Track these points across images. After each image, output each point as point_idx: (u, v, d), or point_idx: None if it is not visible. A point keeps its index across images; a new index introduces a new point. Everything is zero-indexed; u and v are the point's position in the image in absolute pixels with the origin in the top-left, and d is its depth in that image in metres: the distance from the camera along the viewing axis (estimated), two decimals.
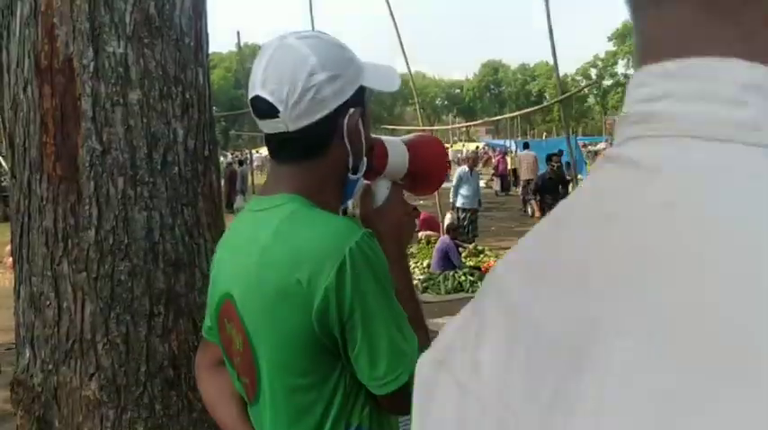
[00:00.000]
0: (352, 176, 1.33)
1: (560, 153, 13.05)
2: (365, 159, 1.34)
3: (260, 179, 22.72)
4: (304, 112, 1.23)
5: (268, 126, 1.27)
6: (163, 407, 1.93)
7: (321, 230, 1.20)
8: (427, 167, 1.48)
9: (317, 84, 1.22)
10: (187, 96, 2.02)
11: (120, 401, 1.89)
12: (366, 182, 1.42)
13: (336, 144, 1.28)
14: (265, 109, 1.24)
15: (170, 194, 1.96)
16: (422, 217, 12.31)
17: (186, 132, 2.01)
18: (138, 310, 1.91)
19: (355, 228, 1.21)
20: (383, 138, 1.42)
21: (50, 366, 1.93)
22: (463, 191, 11.76)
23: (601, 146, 39.02)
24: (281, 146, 1.29)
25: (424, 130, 14.20)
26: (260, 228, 1.24)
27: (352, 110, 1.27)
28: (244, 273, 1.24)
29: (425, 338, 1.28)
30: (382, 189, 1.41)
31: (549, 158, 11.83)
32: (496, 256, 11.36)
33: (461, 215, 11.81)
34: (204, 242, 2.05)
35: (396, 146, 1.43)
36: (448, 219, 11.52)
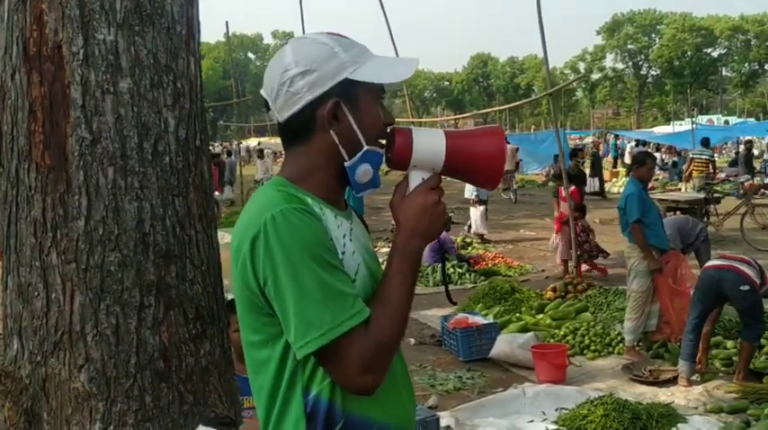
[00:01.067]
0: (346, 163, 1.41)
1: (583, 148, 13.51)
2: (365, 148, 1.40)
3: (248, 170, 22.61)
4: (283, 105, 1.39)
5: (271, 117, 1.50)
6: (153, 399, 1.91)
7: (255, 204, 1.36)
8: (471, 160, 1.42)
9: (289, 78, 1.37)
10: (178, 85, 2.00)
11: (109, 393, 1.87)
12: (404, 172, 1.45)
13: (321, 133, 1.39)
14: (265, 104, 1.45)
15: (161, 185, 1.94)
16: None
17: (177, 122, 1.99)
18: (129, 302, 1.89)
19: (280, 202, 1.32)
20: (415, 128, 1.42)
21: (39, 358, 1.91)
22: None
23: (588, 139, 39.16)
24: (281, 135, 1.47)
25: (412, 122, 14.18)
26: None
27: (330, 101, 1.37)
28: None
29: (387, 319, 1.32)
30: (416, 179, 1.41)
31: (573, 154, 11.89)
32: (485, 248, 11.38)
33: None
34: (195, 233, 2.02)
35: (429, 136, 1.42)
36: None
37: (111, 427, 1.87)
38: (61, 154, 1.86)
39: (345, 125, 1.39)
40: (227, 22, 17.94)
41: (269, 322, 1.34)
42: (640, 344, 6.13)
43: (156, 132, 1.93)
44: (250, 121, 37.73)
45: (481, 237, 12.16)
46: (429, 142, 1.40)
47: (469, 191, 12.21)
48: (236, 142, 27.10)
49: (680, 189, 16.72)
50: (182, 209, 1.99)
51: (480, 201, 12.05)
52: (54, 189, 1.87)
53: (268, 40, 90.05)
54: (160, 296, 1.93)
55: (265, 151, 21.36)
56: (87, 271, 1.86)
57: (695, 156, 15.92)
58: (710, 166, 15.48)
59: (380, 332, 1.31)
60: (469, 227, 12.52)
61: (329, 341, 1.27)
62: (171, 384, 1.95)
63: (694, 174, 15.25)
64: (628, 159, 22.94)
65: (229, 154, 23.13)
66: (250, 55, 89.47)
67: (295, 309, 1.27)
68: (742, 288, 5.05)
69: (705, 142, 16.54)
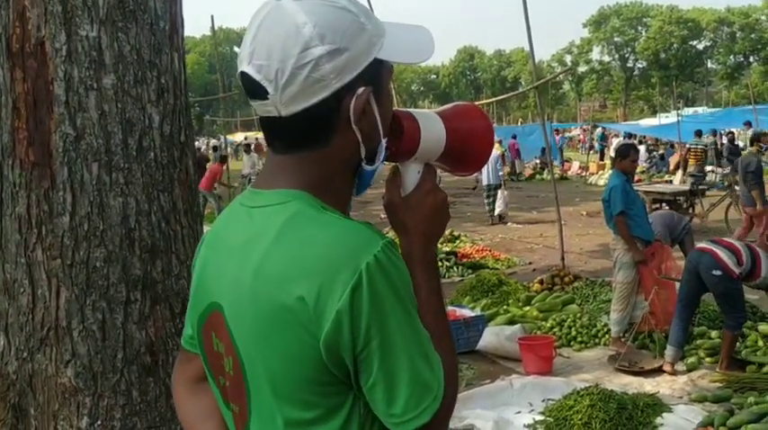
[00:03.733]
0: (367, 167, 1.12)
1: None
2: (384, 144, 1.11)
3: (234, 165, 22.52)
4: (298, 95, 1.02)
5: (259, 108, 1.06)
6: (140, 394, 1.93)
7: (332, 239, 1.00)
8: (468, 144, 1.22)
9: (314, 60, 1.00)
10: (162, 81, 2.00)
11: (96, 388, 1.88)
12: (393, 164, 1.20)
13: (343, 131, 1.06)
14: (253, 88, 1.04)
15: (146, 180, 1.95)
16: None
17: (162, 118, 1.99)
18: (115, 297, 1.89)
19: (374, 236, 1.01)
20: (414, 111, 1.17)
21: (25, 354, 1.92)
22: None
23: (575, 132, 39.32)
24: (275, 133, 1.08)
25: None
26: (257, 229, 1.05)
27: (360, 89, 1.05)
28: (236, 283, 1.06)
29: (451, 356, 1.09)
30: (412, 173, 1.16)
31: (756, 139, 12.21)
32: (472, 242, 11.43)
33: None
34: (181, 228, 2.04)
35: (430, 120, 1.17)
36: None
37: (99, 422, 1.88)
38: (45, 150, 1.86)
39: (371, 119, 1.08)
40: (212, 17, 17.85)
41: (333, 391, 1.02)
42: (626, 334, 6.19)
43: (140, 128, 1.94)
44: (237, 116, 37.65)
45: (500, 218, 12.71)
46: (433, 128, 1.16)
47: (496, 177, 13.21)
48: (222, 137, 26.96)
49: (670, 181, 16.97)
50: (167, 204, 2.00)
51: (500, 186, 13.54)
52: (38, 185, 1.87)
53: None
54: (146, 291, 1.94)
55: (252, 145, 21.29)
56: (73, 267, 1.87)
57: (692, 146, 16.86)
58: (705, 155, 16.81)
59: (450, 370, 1.07)
60: (492, 211, 13.54)
61: (440, 403, 1.02)
62: (158, 378, 1.96)
63: (691, 162, 16.09)
64: (614, 153, 23.12)
65: (215, 149, 23.01)
66: (236, 49, 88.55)
67: (411, 373, 0.99)
68: (714, 273, 5.12)
69: (698, 133, 18.01)
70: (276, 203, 1.05)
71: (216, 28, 20.22)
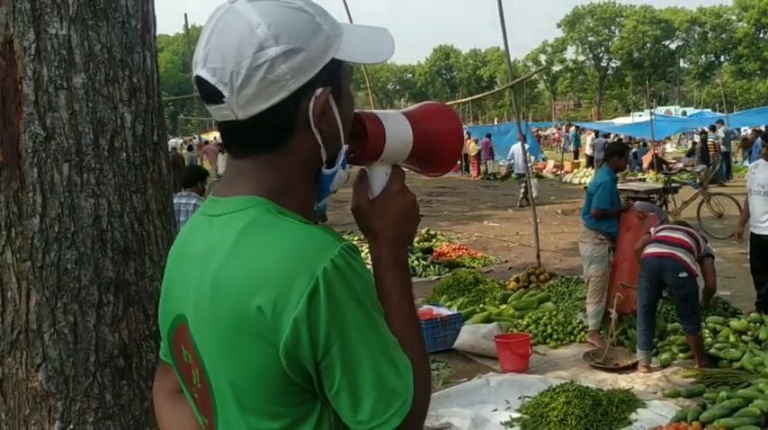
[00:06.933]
0: (325, 171, 1.09)
1: None
2: (344, 148, 1.09)
3: (209, 165, 22.37)
4: (254, 97, 1.00)
5: (215, 113, 1.05)
6: (113, 397, 1.90)
7: (288, 245, 0.97)
8: (437, 145, 1.19)
9: (269, 60, 0.99)
10: (134, 80, 1.97)
11: (68, 392, 1.85)
12: (360, 167, 1.18)
13: (302, 133, 1.04)
14: (209, 92, 1.02)
15: (118, 181, 1.92)
16: None
17: (134, 117, 1.96)
18: (87, 299, 1.87)
19: (331, 240, 0.99)
20: (379, 112, 1.15)
21: None
22: None
23: (550, 130, 39.61)
24: (233, 137, 1.06)
25: None
26: (216, 239, 1.04)
27: (319, 90, 1.03)
28: (197, 294, 1.04)
29: (423, 361, 1.07)
30: (380, 175, 1.14)
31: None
32: (449, 241, 11.47)
33: None
34: (154, 229, 2.01)
35: (396, 122, 1.14)
36: None
37: (71, 426, 1.86)
38: (14, 150, 1.83)
39: (330, 120, 1.06)
40: (185, 15, 17.72)
41: (299, 401, 1.01)
42: (601, 332, 6.26)
43: (112, 128, 1.91)
44: (211, 115, 37.40)
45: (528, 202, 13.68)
46: (399, 129, 1.14)
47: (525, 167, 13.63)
48: (195, 136, 26.74)
49: (643, 179, 17.19)
50: (140, 205, 1.97)
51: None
52: (7, 186, 1.83)
53: None
54: (119, 293, 1.91)
55: None
56: (43, 269, 1.84)
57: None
58: (716, 148, 18.80)
59: (422, 375, 1.05)
60: (525, 196, 14.72)
61: (410, 407, 1.00)
62: (131, 381, 1.93)
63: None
64: (589, 151, 23.33)
65: (190, 148, 22.86)
66: None
67: (375, 378, 0.97)
68: (680, 275, 5.19)
69: (712, 128, 20.30)
70: (234, 211, 1.04)
71: (189, 26, 20.04)
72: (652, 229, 5.66)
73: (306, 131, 1.04)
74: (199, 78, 1.03)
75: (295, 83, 1.01)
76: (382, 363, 0.98)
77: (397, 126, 1.14)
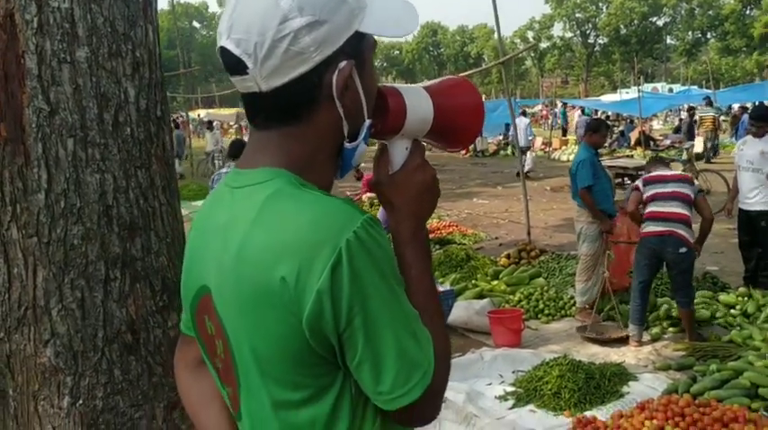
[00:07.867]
0: (348, 145, 1.09)
1: None
2: (368, 121, 1.09)
3: (198, 142, 22.20)
4: (277, 69, 1.00)
5: (239, 84, 1.05)
6: (122, 373, 1.91)
7: (311, 217, 0.97)
8: (457, 120, 1.19)
9: (293, 32, 0.99)
10: (137, 54, 1.95)
11: (77, 367, 1.86)
12: (380, 142, 1.17)
13: (325, 106, 1.04)
14: (232, 64, 1.02)
15: (123, 156, 1.91)
16: (365, 178, 12.33)
17: (138, 92, 1.95)
18: (94, 275, 1.86)
19: (353, 212, 0.99)
20: (400, 87, 1.14)
21: (2, 334, 1.88)
22: None
23: (537, 108, 39.59)
24: (256, 109, 1.07)
25: None
26: (239, 210, 1.04)
27: (343, 63, 1.03)
28: (220, 265, 1.05)
29: (443, 334, 1.08)
30: (400, 150, 1.14)
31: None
32: (439, 218, 11.50)
33: None
34: (159, 205, 2.00)
35: (416, 96, 1.14)
36: None
37: (81, 401, 1.86)
38: (18, 126, 1.81)
39: (354, 94, 1.06)
40: None
41: (322, 372, 1.01)
42: (591, 308, 6.32)
43: (116, 103, 1.90)
44: (197, 92, 37.02)
45: (526, 174, 13.91)
46: (420, 104, 1.13)
47: (526, 141, 14.38)
48: (182, 114, 26.46)
49: (631, 156, 17.27)
50: (145, 180, 1.97)
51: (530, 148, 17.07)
52: (12, 162, 1.82)
53: (214, 8, 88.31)
54: (126, 269, 1.91)
55: (214, 123, 21.03)
56: (50, 245, 1.83)
57: (702, 115, 19.21)
58: (715, 122, 18.93)
59: (442, 347, 1.06)
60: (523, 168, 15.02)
61: (431, 379, 1.01)
62: (139, 357, 1.94)
63: (701, 128, 18.49)
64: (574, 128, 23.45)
65: (177, 126, 22.67)
66: (195, 24, 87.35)
67: (397, 350, 0.98)
68: (681, 250, 5.25)
69: (709, 102, 20.57)
70: (256, 183, 1.04)
71: (174, 2, 19.76)
72: (639, 182, 5.70)
73: (329, 105, 1.04)
74: (223, 49, 1.03)
75: (319, 55, 1.01)
76: (404, 336, 0.99)
77: (417, 100, 1.13)
